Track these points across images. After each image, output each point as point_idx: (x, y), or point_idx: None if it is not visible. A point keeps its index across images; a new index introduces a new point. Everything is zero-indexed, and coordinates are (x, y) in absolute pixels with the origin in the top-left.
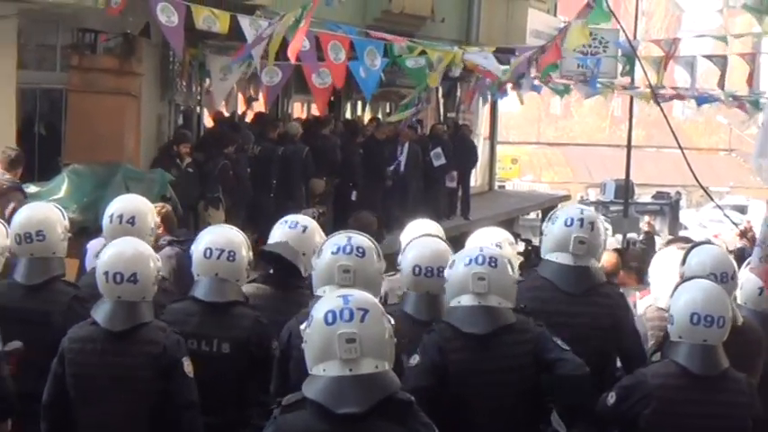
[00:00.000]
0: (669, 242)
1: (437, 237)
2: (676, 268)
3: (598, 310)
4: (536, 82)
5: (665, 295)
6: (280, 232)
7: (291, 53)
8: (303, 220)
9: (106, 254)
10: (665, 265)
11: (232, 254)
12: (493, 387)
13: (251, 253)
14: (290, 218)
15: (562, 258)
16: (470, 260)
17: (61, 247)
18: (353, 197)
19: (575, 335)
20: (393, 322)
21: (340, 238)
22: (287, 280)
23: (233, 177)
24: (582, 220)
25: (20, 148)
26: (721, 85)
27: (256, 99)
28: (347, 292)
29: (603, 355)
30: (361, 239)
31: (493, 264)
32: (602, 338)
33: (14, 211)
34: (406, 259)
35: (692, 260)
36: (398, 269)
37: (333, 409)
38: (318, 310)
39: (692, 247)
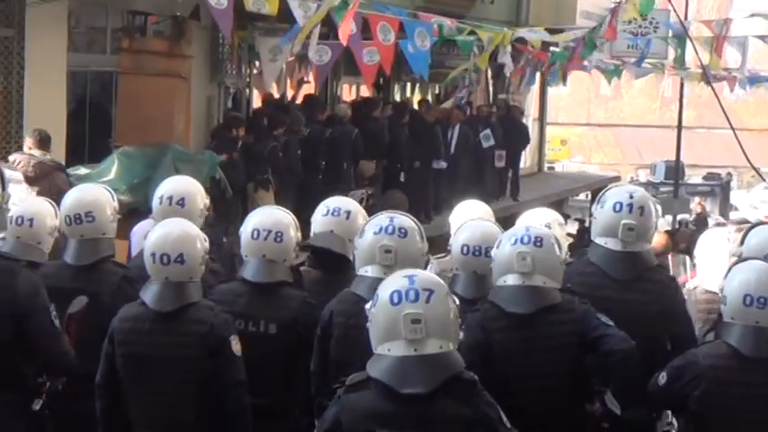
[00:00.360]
0: (717, 225)
1: (488, 220)
2: (722, 249)
3: (646, 297)
4: (585, 62)
5: (711, 277)
6: (323, 221)
7: (342, 36)
8: (345, 204)
9: (153, 235)
10: (711, 246)
11: (279, 235)
12: (535, 367)
13: (299, 233)
14: (332, 203)
15: (611, 244)
16: (516, 239)
17: (111, 228)
18: (402, 179)
19: (623, 322)
20: (458, 302)
21: (382, 218)
22: (335, 266)
23: (282, 159)
24: (631, 205)
25: (44, 129)
26: None
27: (308, 81)
28: (413, 272)
29: (653, 341)
30: (404, 220)
31: (538, 243)
32: (651, 325)
33: (61, 191)
34: (456, 240)
35: (751, 241)
36: (449, 250)
37: (397, 389)
38: (384, 290)
39: (751, 228)
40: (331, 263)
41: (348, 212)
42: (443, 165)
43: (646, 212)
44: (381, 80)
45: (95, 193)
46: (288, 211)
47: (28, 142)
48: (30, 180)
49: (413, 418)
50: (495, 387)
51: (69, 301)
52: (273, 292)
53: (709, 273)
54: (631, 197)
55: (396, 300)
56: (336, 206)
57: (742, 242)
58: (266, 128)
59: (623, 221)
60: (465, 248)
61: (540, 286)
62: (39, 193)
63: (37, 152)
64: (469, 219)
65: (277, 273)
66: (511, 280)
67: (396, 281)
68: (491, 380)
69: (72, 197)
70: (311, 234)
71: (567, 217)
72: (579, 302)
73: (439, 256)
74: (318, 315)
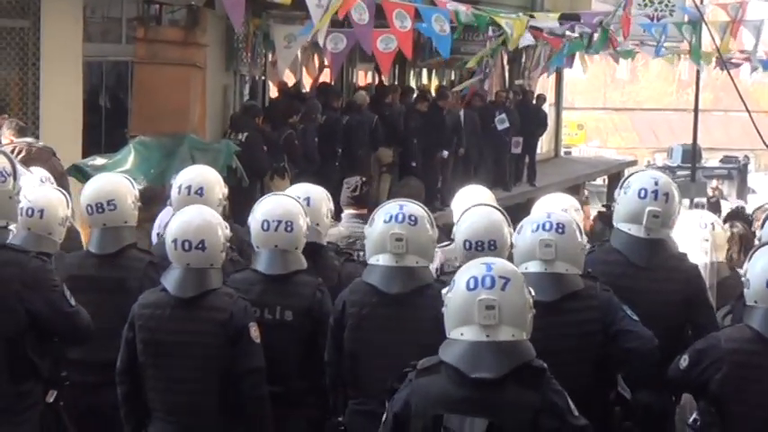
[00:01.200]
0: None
1: (491, 205)
2: (695, 234)
3: (671, 286)
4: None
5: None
6: None
7: (341, 13)
8: (305, 191)
9: (175, 222)
10: (683, 229)
11: (290, 224)
12: (558, 355)
13: (308, 219)
14: (293, 192)
15: (635, 230)
16: (538, 226)
17: (132, 216)
18: (413, 165)
19: (645, 310)
20: (534, 293)
21: (392, 206)
22: (309, 254)
23: (299, 147)
24: (656, 192)
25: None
26: None
27: (328, 66)
28: (491, 260)
29: (675, 330)
30: (414, 208)
31: (560, 230)
32: (674, 313)
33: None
34: (459, 231)
35: None
36: (453, 239)
37: (467, 373)
38: (461, 276)
39: None
40: (305, 251)
41: (308, 199)
42: (445, 154)
43: (670, 199)
44: (397, 67)
45: (116, 181)
46: (294, 196)
47: (6, 133)
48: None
49: (481, 404)
50: None
51: (95, 290)
52: (288, 280)
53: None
54: (656, 183)
55: (472, 285)
56: (296, 195)
57: (762, 225)
58: (282, 116)
59: (648, 208)
60: (467, 244)
61: (563, 273)
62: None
63: (29, 139)
64: (471, 205)
65: (291, 262)
66: (533, 267)
67: (473, 267)
68: None
69: (92, 186)
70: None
71: (584, 202)
72: (601, 288)
73: (444, 244)
74: (331, 302)
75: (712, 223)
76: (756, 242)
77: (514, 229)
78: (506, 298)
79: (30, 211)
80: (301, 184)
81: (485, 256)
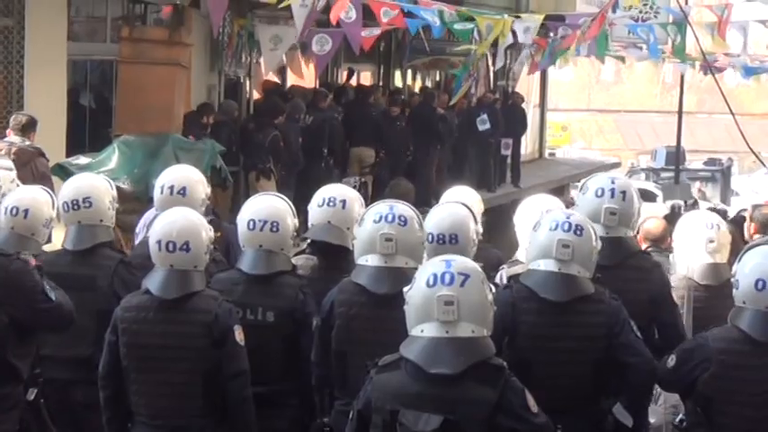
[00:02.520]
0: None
1: (459, 203)
2: (700, 235)
3: (632, 284)
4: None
5: (682, 261)
6: (319, 212)
7: (333, 17)
8: (340, 193)
9: (159, 223)
10: (687, 230)
11: (275, 224)
12: (559, 354)
13: (296, 220)
14: (327, 193)
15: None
16: (557, 225)
17: (108, 216)
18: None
19: None
20: (494, 290)
21: (382, 206)
22: (335, 255)
23: (284, 148)
24: (613, 190)
25: (30, 114)
26: None
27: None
28: (451, 257)
29: (642, 329)
30: (403, 208)
31: (579, 232)
32: (638, 311)
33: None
34: (427, 226)
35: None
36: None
37: (426, 369)
38: (421, 273)
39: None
40: (330, 252)
41: (344, 201)
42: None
43: (627, 197)
44: (382, 67)
45: (93, 181)
46: (284, 197)
47: (8, 131)
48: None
49: (437, 400)
50: (515, 369)
51: (68, 288)
52: (271, 281)
53: (682, 257)
54: (613, 182)
55: (431, 282)
56: (332, 195)
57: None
58: (267, 116)
59: (605, 206)
60: (431, 237)
61: (576, 275)
62: (22, 179)
63: (17, 138)
64: (441, 203)
65: (275, 263)
66: (546, 265)
67: (433, 264)
68: (512, 361)
69: (71, 185)
70: (309, 225)
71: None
72: (609, 296)
73: None
74: (314, 303)
75: (718, 224)
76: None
77: (481, 227)
78: (465, 294)
79: (14, 211)
80: (336, 185)
81: (447, 251)
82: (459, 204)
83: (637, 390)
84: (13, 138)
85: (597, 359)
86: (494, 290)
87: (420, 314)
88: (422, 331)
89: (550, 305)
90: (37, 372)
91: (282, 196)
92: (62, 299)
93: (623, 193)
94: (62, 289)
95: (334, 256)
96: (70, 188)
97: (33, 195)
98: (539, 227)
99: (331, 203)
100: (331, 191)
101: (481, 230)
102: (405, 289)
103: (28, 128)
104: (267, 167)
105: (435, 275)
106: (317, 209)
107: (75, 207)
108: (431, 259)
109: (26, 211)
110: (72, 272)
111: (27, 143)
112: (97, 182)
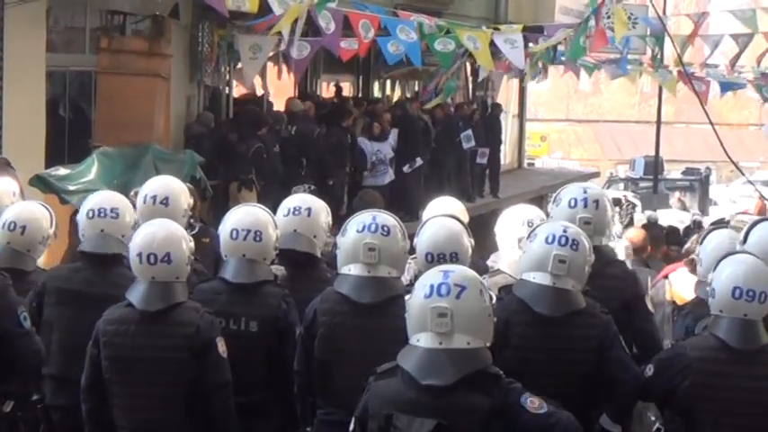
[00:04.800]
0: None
1: (453, 217)
2: (514, 232)
3: (607, 293)
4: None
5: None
6: (285, 221)
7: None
8: (305, 202)
9: (139, 235)
10: (504, 228)
11: (259, 234)
12: (549, 367)
13: (278, 231)
14: (292, 202)
15: None
16: (553, 238)
17: (130, 233)
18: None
19: None
20: (494, 300)
21: (365, 216)
22: (303, 264)
23: (267, 160)
24: (585, 199)
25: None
26: (733, 63)
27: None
28: (450, 267)
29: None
30: (386, 218)
31: (575, 247)
32: (615, 321)
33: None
34: (420, 244)
35: (752, 238)
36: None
37: (419, 380)
38: (420, 283)
39: (753, 225)
40: (298, 261)
41: (309, 209)
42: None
43: (601, 206)
44: (361, 77)
45: (119, 195)
46: (266, 208)
47: None
48: None
49: (431, 407)
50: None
51: (86, 306)
52: (253, 291)
53: (502, 253)
54: (585, 192)
55: (427, 293)
56: (297, 205)
57: (744, 240)
58: (251, 127)
59: (579, 215)
60: (429, 256)
61: (570, 290)
62: None
63: None
64: (430, 217)
65: (257, 272)
66: (541, 278)
67: (431, 275)
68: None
69: (97, 197)
70: None
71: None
72: (600, 310)
73: (414, 256)
74: (296, 312)
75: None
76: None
77: (478, 240)
78: (461, 306)
79: (12, 225)
80: (301, 194)
81: None
82: (452, 219)
83: (622, 403)
84: None
85: (586, 372)
86: (494, 299)
87: (416, 324)
88: (418, 341)
89: (543, 319)
90: (37, 398)
91: (264, 207)
92: (33, 331)
93: (596, 201)
94: (76, 306)
95: (302, 264)
96: (97, 199)
97: (32, 211)
98: (534, 237)
99: (296, 212)
100: (296, 200)
101: (473, 242)
102: (406, 297)
103: None
104: (249, 179)
105: (432, 286)
106: (282, 218)
107: (102, 215)
108: (432, 269)
109: (24, 227)
110: (89, 290)
111: None
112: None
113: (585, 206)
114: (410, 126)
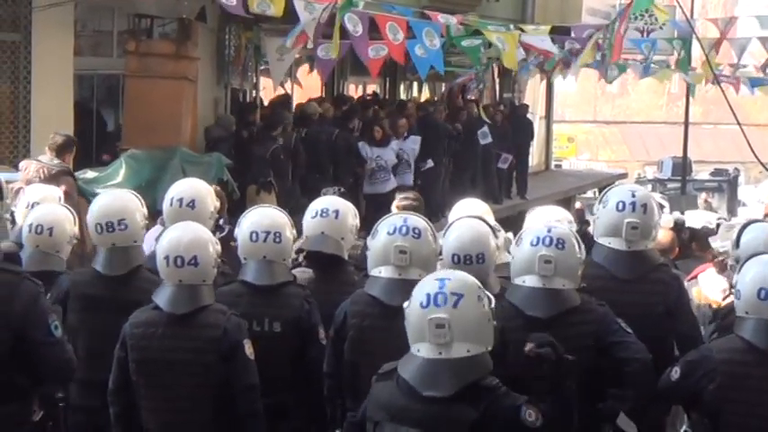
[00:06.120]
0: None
1: (479, 217)
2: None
3: (652, 297)
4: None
5: None
6: (313, 223)
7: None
8: (333, 204)
9: (166, 238)
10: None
11: (278, 235)
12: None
13: (294, 231)
14: (319, 204)
15: (615, 243)
16: (538, 240)
17: (141, 236)
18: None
19: (629, 323)
20: (493, 305)
21: (396, 218)
22: (330, 265)
23: (284, 161)
24: (634, 204)
25: (69, 134)
26: (764, 68)
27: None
28: (446, 274)
29: (659, 342)
30: (417, 220)
31: (560, 246)
32: (657, 325)
33: (67, 195)
34: (447, 245)
35: (745, 238)
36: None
37: (419, 391)
38: (418, 292)
39: (744, 227)
40: (326, 263)
41: (336, 211)
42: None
43: (648, 210)
44: (388, 80)
45: (125, 198)
46: (282, 209)
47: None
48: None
49: (418, 417)
50: (507, 385)
51: (107, 311)
52: (276, 291)
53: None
54: (634, 195)
55: (424, 303)
56: (324, 207)
57: (737, 243)
58: (266, 129)
59: (627, 220)
60: (456, 258)
61: (560, 289)
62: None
63: (45, 157)
64: (456, 219)
65: (278, 273)
66: (530, 281)
67: (428, 283)
68: (505, 378)
69: (101, 204)
70: (303, 237)
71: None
72: (596, 304)
73: (441, 257)
74: (318, 313)
75: None
76: (731, 261)
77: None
78: (458, 315)
79: (38, 228)
80: (329, 196)
81: (472, 270)
82: (478, 220)
83: (635, 382)
84: (42, 156)
85: (588, 368)
86: (492, 304)
87: (415, 334)
88: (418, 351)
89: (536, 321)
90: (60, 395)
91: (280, 208)
92: (64, 340)
93: (644, 206)
94: (98, 312)
95: (330, 266)
96: (100, 207)
97: (56, 213)
98: (520, 242)
99: (324, 214)
100: (324, 202)
101: (501, 243)
102: (404, 305)
103: (64, 148)
104: (268, 181)
105: (429, 296)
106: (310, 220)
107: (110, 229)
108: (428, 276)
109: (51, 228)
110: (112, 296)
111: (56, 161)
112: (128, 200)
113: (633, 210)
114: (433, 130)
